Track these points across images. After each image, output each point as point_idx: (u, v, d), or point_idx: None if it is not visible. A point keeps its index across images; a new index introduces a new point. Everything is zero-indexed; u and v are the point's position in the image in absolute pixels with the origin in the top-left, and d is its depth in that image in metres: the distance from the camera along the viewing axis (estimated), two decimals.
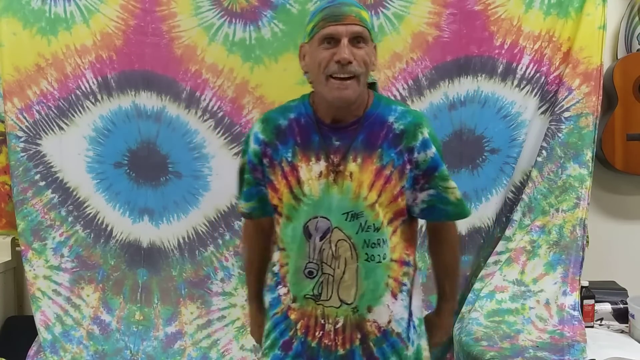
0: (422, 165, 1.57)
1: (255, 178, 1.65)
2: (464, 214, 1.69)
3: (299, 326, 1.62)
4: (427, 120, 1.61)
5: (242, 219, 1.84)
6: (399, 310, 1.63)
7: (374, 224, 1.55)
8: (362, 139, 1.56)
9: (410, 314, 1.67)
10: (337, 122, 1.56)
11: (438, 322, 1.78)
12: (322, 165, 1.55)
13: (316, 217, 1.55)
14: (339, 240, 1.55)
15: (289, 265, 1.62)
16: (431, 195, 1.61)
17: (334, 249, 1.56)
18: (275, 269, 1.68)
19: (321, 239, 1.55)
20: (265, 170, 1.61)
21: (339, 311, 1.59)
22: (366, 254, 1.56)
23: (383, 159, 1.55)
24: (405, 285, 1.64)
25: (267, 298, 1.71)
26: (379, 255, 1.57)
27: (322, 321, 1.60)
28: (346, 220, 1.54)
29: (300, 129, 1.58)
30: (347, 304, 1.58)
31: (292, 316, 1.63)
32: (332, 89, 1.49)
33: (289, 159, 1.57)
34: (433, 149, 1.57)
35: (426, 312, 1.82)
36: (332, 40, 1.48)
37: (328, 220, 1.55)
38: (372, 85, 1.64)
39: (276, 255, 1.68)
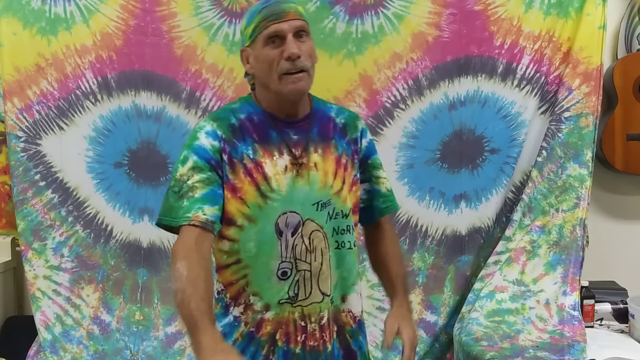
0: (361, 153, 1.65)
1: (219, 177, 1.50)
2: (393, 207, 1.73)
3: (277, 336, 1.54)
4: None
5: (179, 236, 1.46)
6: (364, 300, 1.67)
7: (342, 211, 1.57)
8: (317, 131, 1.59)
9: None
10: (291, 117, 1.57)
11: (406, 313, 1.63)
12: (286, 159, 1.54)
13: (285, 213, 1.52)
14: (313, 231, 1.54)
15: (252, 274, 1.52)
16: (367, 192, 1.68)
17: (307, 242, 1.53)
18: (216, 293, 1.56)
19: (292, 234, 1.52)
20: (225, 169, 1.51)
21: (322, 305, 1.55)
22: (336, 241, 1.56)
23: (338, 149, 1.60)
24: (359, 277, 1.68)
25: (218, 328, 1.54)
26: (349, 241, 1.58)
27: (303, 323, 1.54)
28: (317, 210, 1.54)
29: (254, 126, 1.55)
30: (327, 295, 1.56)
31: (267, 329, 1.53)
32: (287, 84, 1.49)
33: (251, 156, 1.52)
34: (369, 137, 1.68)
35: (426, 312, 1.81)
36: (277, 39, 1.49)
37: (297, 214, 1.52)
38: None
39: (217, 278, 1.56)
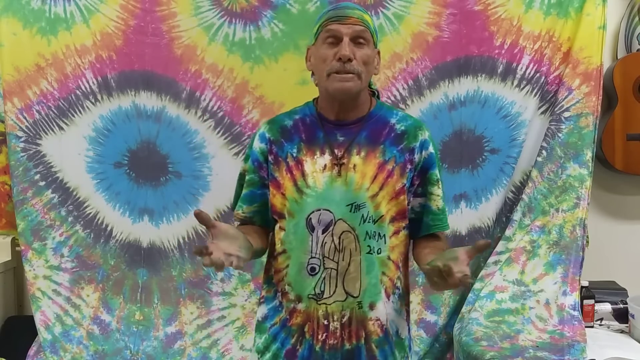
0: (418, 165, 1.62)
1: (260, 177, 1.66)
2: (441, 227, 1.67)
3: (306, 329, 1.60)
4: (426, 125, 1.68)
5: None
6: (391, 311, 1.63)
7: (372, 216, 1.57)
8: (366, 135, 1.61)
9: (409, 327, 1.70)
10: (341, 119, 1.61)
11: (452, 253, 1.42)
12: (326, 158, 1.59)
13: (319, 210, 1.57)
14: (344, 232, 1.57)
15: (290, 265, 1.61)
16: (421, 206, 1.65)
17: (337, 241, 1.57)
18: (270, 278, 1.67)
19: (323, 231, 1.57)
20: (269, 168, 1.63)
21: (344, 304, 1.58)
22: (368, 246, 1.58)
23: (385, 155, 1.59)
24: (398, 289, 1.65)
25: (263, 309, 1.68)
26: (375, 247, 1.58)
27: (325, 322, 1.58)
28: (350, 211, 1.57)
29: (305, 127, 1.64)
30: (352, 296, 1.58)
31: (298, 319, 1.61)
32: (333, 82, 1.54)
33: (294, 154, 1.61)
34: (430, 150, 1.63)
35: (426, 312, 1.79)
36: (335, 39, 1.55)
37: (331, 212, 1.57)
38: (374, 95, 1.70)
39: (272, 264, 1.67)
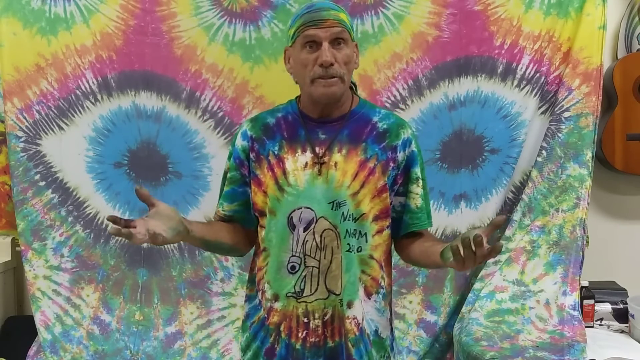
0: (401, 164, 1.63)
1: (241, 175, 1.67)
2: (420, 225, 1.67)
3: (282, 328, 1.61)
4: (408, 123, 1.69)
5: None
6: (370, 310, 1.63)
7: (353, 214, 1.58)
8: (347, 133, 1.61)
9: (392, 326, 1.71)
10: (324, 117, 1.62)
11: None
12: (307, 156, 1.59)
13: (300, 208, 1.57)
14: (325, 230, 1.57)
15: (269, 263, 1.62)
16: (402, 206, 1.66)
17: (318, 239, 1.57)
18: (254, 276, 1.69)
19: (305, 230, 1.57)
20: (251, 166, 1.64)
21: (326, 302, 1.59)
22: (348, 244, 1.58)
23: (367, 152, 1.60)
24: (382, 288, 1.65)
25: (246, 308, 1.72)
26: (354, 245, 1.58)
27: (305, 320, 1.59)
28: (332, 209, 1.57)
29: (287, 125, 1.64)
30: (335, 294, 1.59)
31: (275, 318, 1.61)
32: (318, 88, 1.55)
33: (276, 152, 1.61)
34: (412, 148, 1.64)
35: (426, 312, 1.78)
36: (314, 44, 1.55)
37: (312, 210, 1.57)
38: (352, 89, 1.69)
39: (255, 262, 1.69)
